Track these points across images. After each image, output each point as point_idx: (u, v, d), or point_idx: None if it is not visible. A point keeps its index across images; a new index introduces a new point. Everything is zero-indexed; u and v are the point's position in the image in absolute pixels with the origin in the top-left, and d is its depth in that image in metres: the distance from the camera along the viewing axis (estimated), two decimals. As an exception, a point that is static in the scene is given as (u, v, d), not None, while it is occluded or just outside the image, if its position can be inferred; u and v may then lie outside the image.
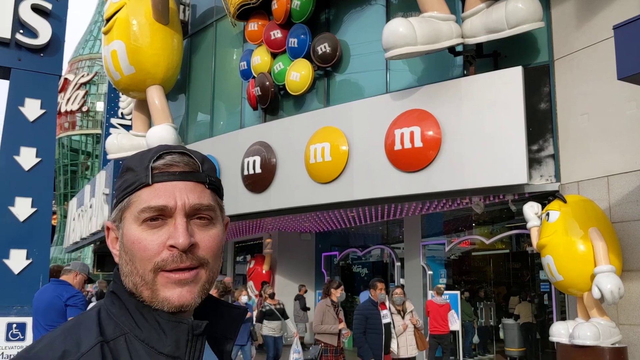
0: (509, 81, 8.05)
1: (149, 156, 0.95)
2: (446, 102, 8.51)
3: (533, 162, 7.99)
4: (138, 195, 0.93)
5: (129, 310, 0.92)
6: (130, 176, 0.94)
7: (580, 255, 6.69)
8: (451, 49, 8.55)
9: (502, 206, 10.01)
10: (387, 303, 8.11)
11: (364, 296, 8.36)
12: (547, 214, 7.07)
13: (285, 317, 10.84)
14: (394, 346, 8.00)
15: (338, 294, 8.31)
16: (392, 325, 8.04)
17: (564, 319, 7.89)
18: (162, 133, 13.07)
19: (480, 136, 8.13)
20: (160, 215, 0.91)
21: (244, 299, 10.28)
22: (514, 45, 8.38)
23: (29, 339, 4.45)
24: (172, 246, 0.90)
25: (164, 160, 0.94)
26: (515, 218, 10.33)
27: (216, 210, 0.97)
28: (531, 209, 7.56)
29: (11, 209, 5.46)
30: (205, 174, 0.96)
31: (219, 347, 1.04)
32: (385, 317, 7.80)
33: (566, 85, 7.95)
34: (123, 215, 0.95)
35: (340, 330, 8.07)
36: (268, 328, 10.53)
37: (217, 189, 0.98)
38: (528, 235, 7.79)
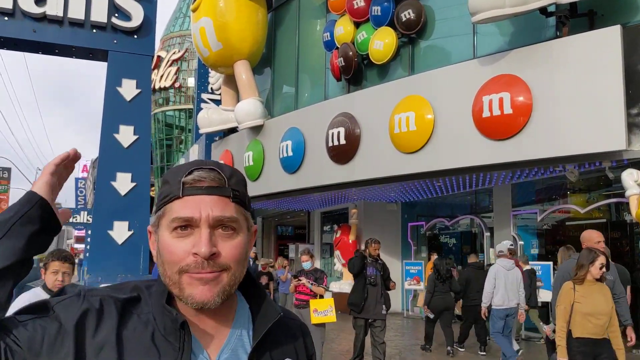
0: (606, 42, 7.56)
1: (182, 171, 1.07)
2: (537, 66, 8.14)
3: (632, 126, 7.52)
4: (171, 206, 1.06)
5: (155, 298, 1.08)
6: (166, 188, 1.08)
7: (686, 225, 6.30)
8: (542, 10, 8.13)
9: (598, 174, 9.53)
10: None
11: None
12: (648, 182, 6.68)
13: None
14: None
15: None
16: None
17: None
18: (249, 107, 13.43)
19: (575, 101, 7.73)
20: (188, 225, 1.04)
21: None
22: (611, 3, 7.86)
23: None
24: (195, 254, 1.02)
25: (193, 175, 1.06)
26: (613, 186, 9.81)
27: (239, 222, 1.08)
28: (630, 177, 7.18)
29: (113, 184, 5.87)
30: (230, 188, 1.07)
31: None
32: None
33: (671, 42, 7.37)
34: (159, 222, 1.08)
35: None
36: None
37: (242, 202, 1.10)
38: (627, 204, 7.40)
